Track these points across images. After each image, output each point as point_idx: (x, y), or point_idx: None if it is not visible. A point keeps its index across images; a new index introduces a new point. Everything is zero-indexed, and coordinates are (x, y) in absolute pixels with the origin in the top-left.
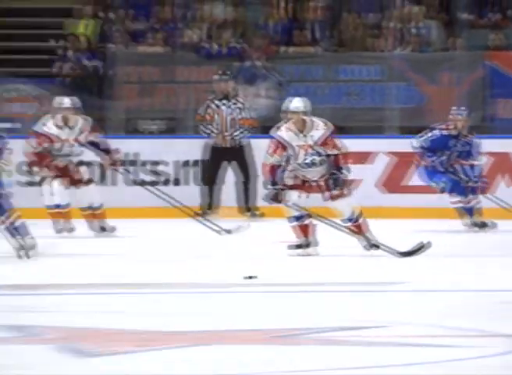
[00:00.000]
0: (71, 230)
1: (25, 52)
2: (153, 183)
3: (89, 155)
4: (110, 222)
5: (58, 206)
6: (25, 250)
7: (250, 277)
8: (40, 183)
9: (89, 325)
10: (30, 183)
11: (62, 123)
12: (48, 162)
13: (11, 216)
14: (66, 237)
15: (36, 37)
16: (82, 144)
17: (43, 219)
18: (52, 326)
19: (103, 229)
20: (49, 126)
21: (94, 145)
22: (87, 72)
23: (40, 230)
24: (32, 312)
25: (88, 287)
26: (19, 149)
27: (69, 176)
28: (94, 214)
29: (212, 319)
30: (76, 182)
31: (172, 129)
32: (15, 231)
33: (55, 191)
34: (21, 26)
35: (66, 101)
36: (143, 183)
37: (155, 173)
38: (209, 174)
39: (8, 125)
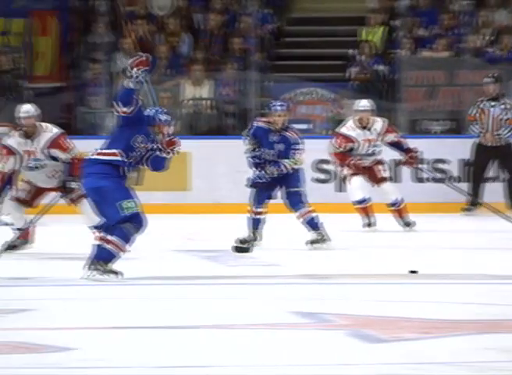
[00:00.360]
0: (373, 224)
1: (320, 58)
2: (439, 181)
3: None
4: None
5: (360, 202)
6: (319, 242)
7: (413, 272)
8: (343, 181)
9: (375, 313)
10: (323, 181)
11: (360, 124)
12: (349, 161)
13: (308, 211)
14: (368, 231)
15: (330, 44)
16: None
17: (339, 213)
18: (341, 314)
19: (407, 224)
20: (348, 127)
21: (394, 145)
22: (376, 76)
23: (334, 224)
24: (323, 300)
25: (375, 277)
26: (311, 149)
27: (370, 174)
28: (397, 209)
29: (492, 309)
30: (378, 180)
31: (455, 129)
32: (308, 225)
33: (356, 188)
34: (317, 34)
35: (365, 104)
36: (441, 180)
37: (440, 170)
38: (475, 172)
39: (303, 126)
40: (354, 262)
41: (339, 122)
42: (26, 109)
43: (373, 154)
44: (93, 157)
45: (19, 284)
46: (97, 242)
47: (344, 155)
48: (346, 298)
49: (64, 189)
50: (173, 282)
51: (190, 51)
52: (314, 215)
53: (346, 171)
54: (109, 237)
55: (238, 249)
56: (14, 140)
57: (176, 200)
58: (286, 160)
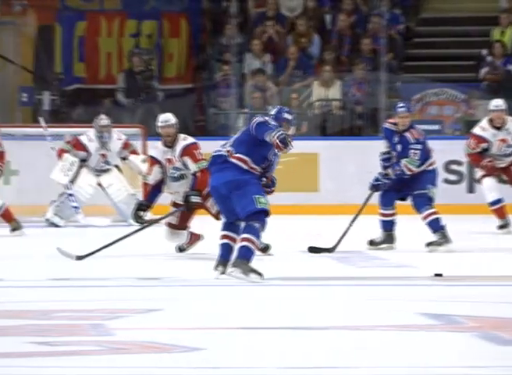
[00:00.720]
0: (508, 225)
1: (450, 59)
2: None
3: None
4: None
5: (494, 203)
6: (436, 245)
7: (438, 275)
8: (477, 182)
9: (506, 315)
10: (453, 182)
11: (493, 124)
12: (484, 162)
13: (430, 213)
14: (503, 233)
15: (461, 45)
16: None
17: (470, 214)
18: (471, 316)
19: None
20: (481, 127)
21: None
22: (507, 76)
23: (465, 225)
24: (452, 301)
25: (507, 279)
26: (441, 150)
27: (507, 174)
28: None
29: None
30: None
31: None
32: (429, 227)
33: (489, 189)
34: (447, 35)
35: (497, 104)
36: None
37: None
38: None
39: (434, 127)
40: (486, 264)
41: (470, 122)
42: (165, 118)
43: (510, 154)
44: (223, 153)
45: (148, 284)
46: (223, 241)
47: (478, 156)
48: (477, 300)
49: (186, 203)
50: (302, 283)
51: (319, 51)
52: (436, 217)
53: (479, 172)
54: (243, 236)
55: (312, 249)
56: (158, 150)
57: (305, 201)
58: (404, 160)
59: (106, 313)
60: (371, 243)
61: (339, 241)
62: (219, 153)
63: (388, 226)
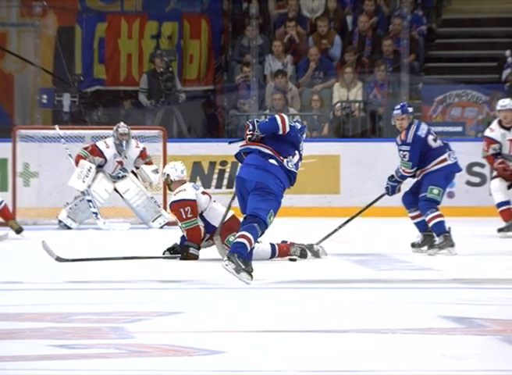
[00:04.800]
0: (506, 229)
1: (472, 60)
2: None
3: None
4: None
5: (500, 205)
6: (437, 248)
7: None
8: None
9: None
10: (475, 184)
11: (502, 124)
12: (495, 164)
13: (432, 217)
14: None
15: (483, 46)
16: None
17: (494, 217)
18: (495, 319)
19: None
20: (492, 129)
21: None
22: None
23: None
24: (475, 304)
25: None
26: (463, 152)
27: None
28: None
29: None
30: None
31: None
32: (432, 230)
33: (495, 191)
34: (470, 36)
35: (504, 103)
36: None
37: None
38: None
39: (457, 128)
40: (511, 267)
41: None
42: (164, 169)
43: None
44: (278, 158)
45: (169, 287)
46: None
47: (493, 158)
48: (501, 303)
49: (183, 252)
50: (322, 285)
51: (340, 53)
52: (439, 220)
53: (494, 174)
54: (241, 233)
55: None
56: None
57: (325, 203)
58: (399, 162)
59: (126, 316)
60: (413, 245)
61: (325, 238)
62: (270, 152)
63: (422, 227)
